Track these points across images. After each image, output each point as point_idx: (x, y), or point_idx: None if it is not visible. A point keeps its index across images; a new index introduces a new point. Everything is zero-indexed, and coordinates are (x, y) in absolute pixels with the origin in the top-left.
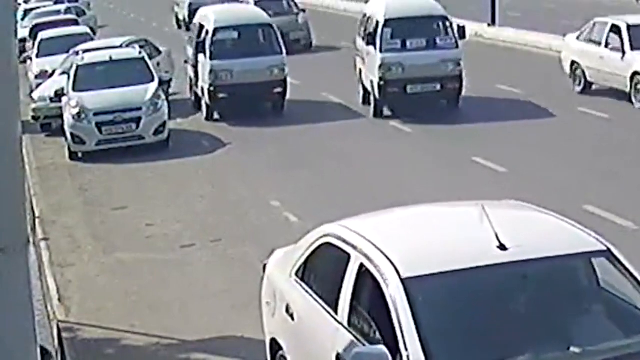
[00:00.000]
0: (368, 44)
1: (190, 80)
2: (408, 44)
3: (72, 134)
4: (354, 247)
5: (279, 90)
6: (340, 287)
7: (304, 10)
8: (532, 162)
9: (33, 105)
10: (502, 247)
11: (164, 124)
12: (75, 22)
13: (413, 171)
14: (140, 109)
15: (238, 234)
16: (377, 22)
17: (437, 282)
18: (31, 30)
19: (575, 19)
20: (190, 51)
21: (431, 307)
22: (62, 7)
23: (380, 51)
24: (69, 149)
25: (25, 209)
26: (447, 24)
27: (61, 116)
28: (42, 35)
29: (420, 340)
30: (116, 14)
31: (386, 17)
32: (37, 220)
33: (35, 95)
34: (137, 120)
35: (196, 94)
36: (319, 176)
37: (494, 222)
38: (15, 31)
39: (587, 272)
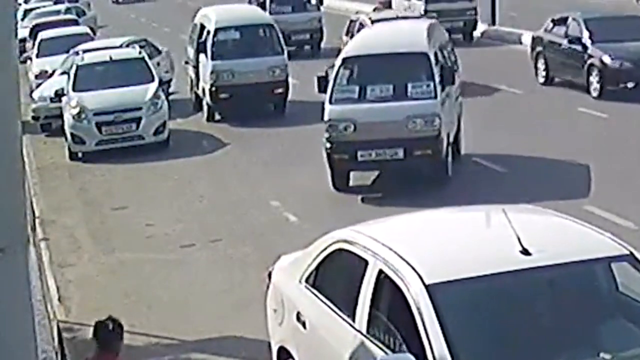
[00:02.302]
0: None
1: (191, 80)
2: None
3: (72, 134)
4: (372, 253)
5: (280, 90)
6: (358, 294)
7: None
8: (532, 162)
9: (33, 105)
10: (526, 252)
11: (164, 124)
12: (75, 22)
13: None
14: (140, 109)
15: (238, 234)
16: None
17: (462, 287)
18: (31, 30)
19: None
20: (191, 51)
21: (457, 313)
22: (62, 7)
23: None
24: (69, 149)
25: (25, 209)
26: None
27: (61, 116)
28: (42, 35)
29: (448, 347)
30: (122, 16)
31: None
32: (37, 220)
33: (35, 95)
34: (137, 120)
35: (197, 94)
36: (319, 176)
37: (516, 227)
38: (15, 31)
39: (607, 277)
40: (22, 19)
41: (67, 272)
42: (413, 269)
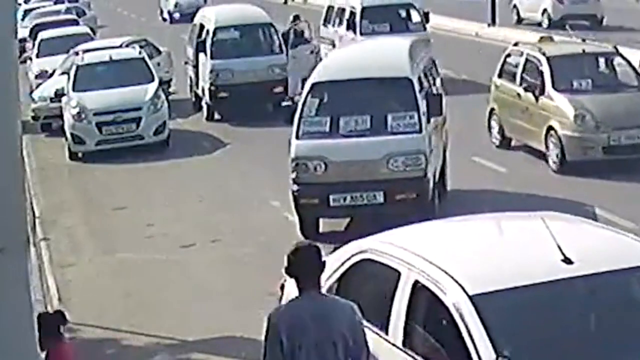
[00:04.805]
0: (199, 51)
1: (191, 80)
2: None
3: (72, 134)
4: (405, 264)
5: (279, 89)
6: (390, 306)
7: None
8: (532, 162)
9: (33, 105)
10: (568, 261)
11: (164, 124)
12: (75, 22)
13: None
14: (140, 109)
15: (238, 234)
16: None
17: (506, 298)
18: (31, 30)
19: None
20: (190, 51)
21: (503, 324)
22: (62, 7)
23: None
24: (69, 149)
25: (25, 209)
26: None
27: (61, 116)
28: (42, 35)
29: (497, 358)
30: (119, 14)
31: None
32: (37, 220)
33: (35, 95)
34: (137, 120)
35: (196, 94)
36: None
37: (555, 235)
38: (15, 31)
39: None
40: (22, 19)
41: (67, 272)
42: (454, 279)
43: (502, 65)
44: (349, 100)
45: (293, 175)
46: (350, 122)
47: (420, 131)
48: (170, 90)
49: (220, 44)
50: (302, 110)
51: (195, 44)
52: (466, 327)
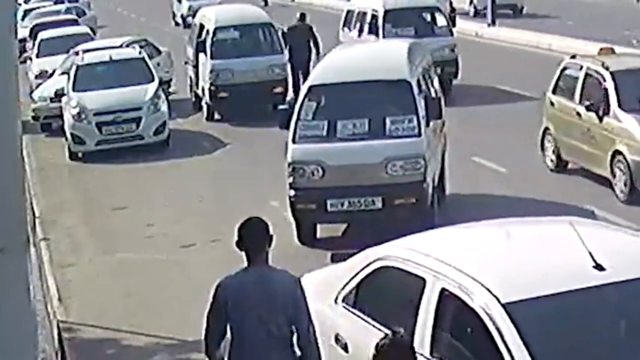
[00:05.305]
0: (199, 51)
1: (190, 80)
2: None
3: (72, 134)
4: (430, 271)
5: (279, 89)
6: (415, 314)
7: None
8: (532, 162)
9: (33, 105)
10: (599, 268)
11: (164, 124)
12: (75, 22)
13: None
14: (140, 109)
15: None
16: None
17: (539, 305)
18: (31, 30)
19: (573, 18)
20: (190, 51)
21: (537, 332)
22: (62, 7)
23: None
24: (69, 149)
25: (25, 209)
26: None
27: (61, 116)
28: (42, 35)
29: None
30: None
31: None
32: (37, 220)
33: (35, 95)
34: (137, 120)
35: (196, 94)
36: None
37: (585, 241)
38: (15, 31)
39: None
40: (22, 19)
41: (67, 272)
42: (485, 287)
43: (558, 80)
44: (346, 103)
45: (290, 180)
46: (348, 126)
47: (420, 135)
48: (170, 90)
49: (220, 44)
50: (298, 113)
51: (195, 44)
52: (501, 336)
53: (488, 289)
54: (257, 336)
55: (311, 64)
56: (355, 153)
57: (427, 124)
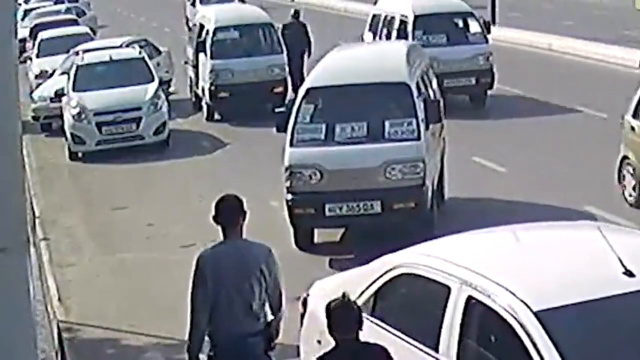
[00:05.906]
0: (199, 51)
1: (190, 80)
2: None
3: (72, 134)
4: (455, 278)
5: (279, 89)
6: (440, 322)
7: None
8: (532, 162)
9: (33, 105)
10: (629, 274)
11: (164, 124)
12: (75, 22)
13: None
14: (140, 109)
15: None
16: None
17: (572, 313)
18: (31, 30)
19: (573, 18)
20: (190, 51)
21: (570, 341)
22: (62, 7)
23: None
24: (69, 149)
25: (25, 209)
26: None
27: (61, 116)
28: (42, 35)
29: None
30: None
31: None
32: (37, 220)
33: (35, 95)
34: (137, 120)
35: (196, 94)
36: None
37: (614, 246)
38: (15, 31)
39: None
40: (22, 19)
41: (67, 272)
42: (515, 295)
43: (639, 103)
44: (345, 106)
45: (287, 184)
46: (347, 129)
47: (419, 138)
48: (170, 90)
49: (220, 44)
50: (296, 116)
51: (195, 44)
52: (534, 345)
53: (519, 297)
54: (232, 303)
55: (304, 64)
56: (354, 157)
57: (427, 127)
